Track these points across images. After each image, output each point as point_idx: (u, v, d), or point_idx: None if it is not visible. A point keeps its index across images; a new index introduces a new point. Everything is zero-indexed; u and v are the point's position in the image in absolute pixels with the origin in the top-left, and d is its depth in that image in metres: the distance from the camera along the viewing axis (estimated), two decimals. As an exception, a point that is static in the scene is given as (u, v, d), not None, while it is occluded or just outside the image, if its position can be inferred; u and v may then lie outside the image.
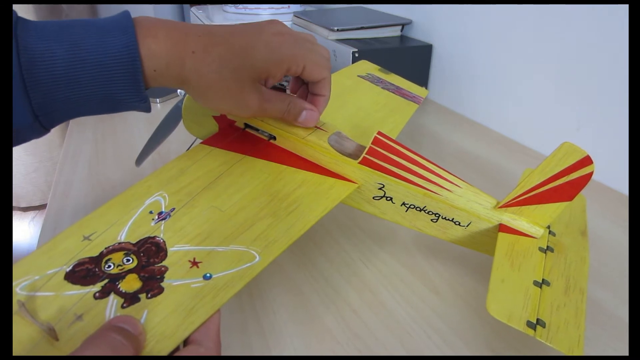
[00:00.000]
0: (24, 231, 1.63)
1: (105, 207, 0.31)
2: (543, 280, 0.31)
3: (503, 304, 0.29)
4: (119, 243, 0.29)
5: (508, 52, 0.69)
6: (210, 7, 1.17)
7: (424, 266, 0.43)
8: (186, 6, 1.56)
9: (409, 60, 0.83)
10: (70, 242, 0.28)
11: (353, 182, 0.38)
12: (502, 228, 0.36)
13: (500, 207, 0.36)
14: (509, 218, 0.36)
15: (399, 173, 0.36)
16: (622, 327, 0.36)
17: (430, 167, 0.37)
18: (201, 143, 0.40)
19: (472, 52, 0.76)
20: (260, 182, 0.36)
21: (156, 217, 0.31)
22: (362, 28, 0.85)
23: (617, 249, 0.46)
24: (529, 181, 0.34)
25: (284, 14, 1.07)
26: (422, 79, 0.86)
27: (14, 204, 1.67)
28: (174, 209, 0.32)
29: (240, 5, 1.07)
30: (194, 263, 0.28)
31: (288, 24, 1.03)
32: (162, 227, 0.30)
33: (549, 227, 0.36)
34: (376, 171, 0.37)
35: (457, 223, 0.37)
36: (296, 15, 1.00)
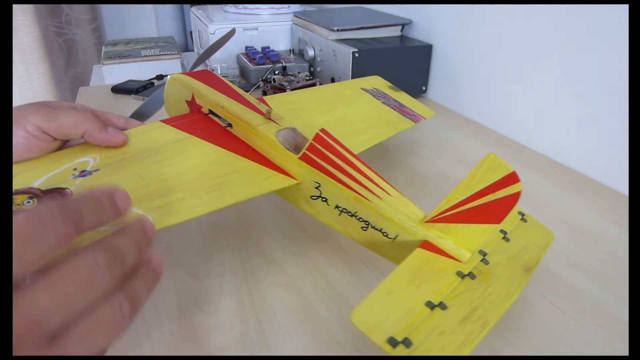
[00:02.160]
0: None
1: (44, 157, 0.34)
2: (440, 303, 0.28)
3: (373, 316, 0.26)
4: (30, 188, 0.30)
5: (508, 52, 0.69)
6: (210, 7, 1.17)
7: (424, 266, 0.43)
8: (186, 6, 1.56)
9: (409, 60, 0.83)
10: None
11: (293, 178, 0.38)
12: (425, 245, 0.32)
13: (427, 221, 0.33)
14: (435, 235, 0.32)
15: (334, 173, 0.36)
16: (622, 327, 0.36)
17: (365, 172, 0.35)
18: (159, 120, 0.41)
19: (472, 52, 0.76)
20: (196, 162, 0.37)
21: (77, 173, 0.33)
22: (362, 28, 0.85)
23: (617, 249, 0.46)
24: (455, 195, 0.31)
25: (284, 14, 1.07)
26: (422, 79, 0.86)
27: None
28: (98, 169, 0.34)
29: (240, 5, 1.07)
30: None
31: (288, 24, 1.03)
32: (77, 182, 0.32)
33: (484, 253, 0.32)
34: (314, 169, 0.36)
35: (385, 234, 0.34)
36: (296, 15, 1.00)
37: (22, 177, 0.32)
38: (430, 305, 0.27)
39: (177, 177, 0.35)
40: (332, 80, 0.85)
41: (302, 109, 0.51)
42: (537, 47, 0.64)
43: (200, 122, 0.43)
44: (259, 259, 0.43)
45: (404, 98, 0.62)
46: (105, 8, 1.47)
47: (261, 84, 0.84)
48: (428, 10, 0.84)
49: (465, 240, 0.32)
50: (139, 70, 0.98)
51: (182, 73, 0.49)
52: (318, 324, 0.36)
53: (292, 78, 0.85)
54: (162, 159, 0.36)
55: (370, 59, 0.79)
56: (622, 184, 0.56)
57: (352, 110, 0.54)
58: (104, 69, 0.99)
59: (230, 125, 0.42)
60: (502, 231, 0.35)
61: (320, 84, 0.86)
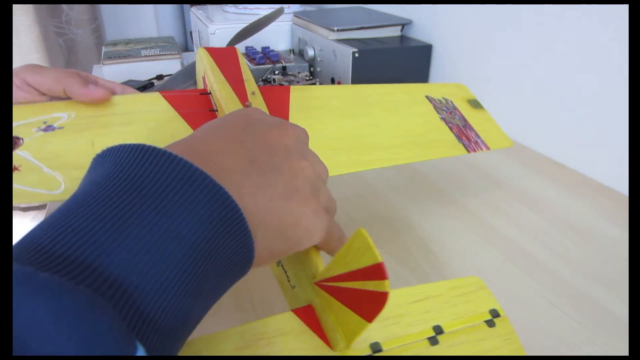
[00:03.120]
0: (24, 231, 1.63)
1: (24, 106, 0.35)
2: None
3: None
4: None
5: (508, 52, 0.69)
6: (210, 7, 1.17)
7: (424, 266, 0.43)
8: (186, 6, 1.56)
9: (409, 60, 0.83)
10: None
11: None
12: (304, 311, 0.25)
13: (316, 283, 0.25)
14: (320, 305, 0.25)
15: None
16: (622, 327, 0.36)
17: None
18: (159, 91, 0.41)
19: (472, 52, 0.76)
20: (160, 139, 0.36)
21: (43, 127, 0.33)
22: (362, 28, 0.85)
23: (617, 249, 0.46)
24: (335, 265, 0.23)
25: (284, 14, 1.07)
26: (422, 79, 0.86)
27: (14, 203, 1.67)
28: (62, 127, 0.34)
29: (241, 5, 1.07)
30: (16, 168, 0.30)
31: (288, 24, 1.03)
32: (36, 136, 0.32)
33: (378, 349, 0.25)
34: None
35: (288, 279, 0.30)
36: (296, 15, 1.00)
37: None
38: None
39: None
40: (332, 81, 0.85)
41: (322, 107, 0.44)
42: (537, 46, 0.64)
43: (193, 101, 0.40)
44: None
45: (480, 118, 0.50)
46: (105, 8, 1.47)
47: (261, 84, 0.84)
48: (428, 10, 0.84)
49: (344, 326, 0.24)
50: (139, 70, 0.98)
51: (207, 48, 0.46)
52: (318, 324, 0.36)
53: (292, 78, 0.85)
54: (129, 130, 0.36)
55: (370, 59, 0.79)
56: (622, 184, 0.56)
57: (390, 120, 0.45)
58: (104, 69, 0.99)
59: (216, 110, 0.40)
60: (435, 327, 0.26)
61: (320, 84, 0.86)
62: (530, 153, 0.66)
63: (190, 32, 1.43)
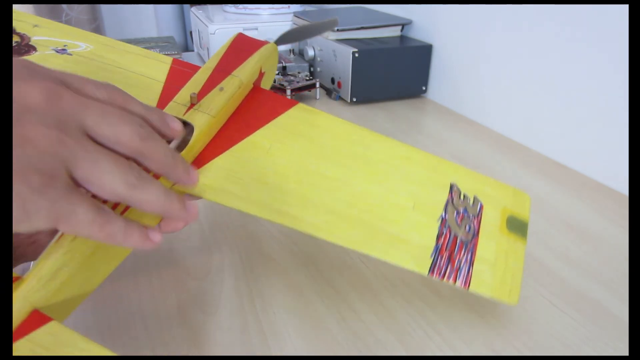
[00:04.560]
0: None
1: (56, 24, 0.40)
2: None
3: None
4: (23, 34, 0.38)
5: (508, 52, 0.69)
6: (210, 7, 1.17)
7: (424, 266, 0.43)
8: (186, 6, 1.56)
9: (409, 60, 0.83)
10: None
11: None
12: None
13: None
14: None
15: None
16: (622, 327, 0.36)
17: None
18: (174, 57, 0.42)
19: (472, 52, 0.76)
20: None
21: (60, 48, 0.38)
22: (362, 28, 0.85)
23: (617, 249, 0.46)
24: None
25: (284, 14, 1.07)
26: (422, 79, 0.86)
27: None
28: (71, 55, 0.38)
29: (240, 5, 1.07)
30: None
31: (288, 24, 1.03)
32: (47, 52, 0.37)
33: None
34: None
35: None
36: (296, 15, 1.00)
37: (25, 26, 0.38)
38: None
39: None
40: (332, 81, 0.85)
41: (307, 137, 0.35)
42: (537, 46, 0.64)
43: (186, 77, 0.37)
44: (259, 259, 0.43)
45: (501, 246, 0.34)
46: (105, 8, 1.47)
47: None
48: (428, 10, 0.84)
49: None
50: (139, 70, 0.98)
51: (240, 34, 0.43)
52: (318, 324, 0.36)
53: (292, 78, 0.85)
54: (111, 78, 0.37)
55: (370, 59, 0.79)
56: (622, 184, 0.56)
57: (369, 186, 0.33)
58: (104, 69, 0.98)
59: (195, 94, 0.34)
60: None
61: (321, 85, 0.86)
62: (530, 153, 0.66)
63: (190, 32, 1.43)
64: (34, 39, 0.38)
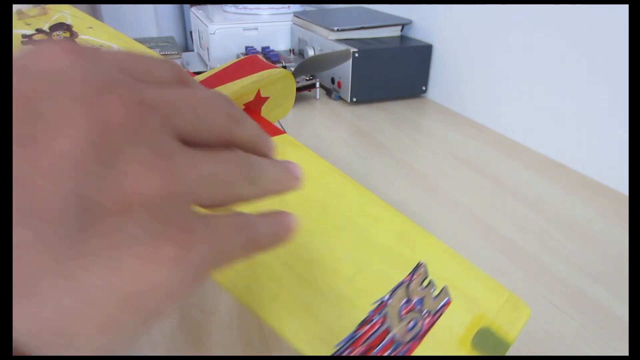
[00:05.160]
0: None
1: (123, 35, 0.44)
2: None
3: None
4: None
5: (508, 52, 0.69)
6: (210, 7, 1.17)
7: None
8: (186, 6, 1.56)
9: (409, 60, 0.83)
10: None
11: None
12: None
13: None
14: None
15: None
16: (622, 327, 0.36)
17: None
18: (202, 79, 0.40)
19: (472, 52, 0.76)
20: None
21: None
22: (362, 28, 0.85)
23: (617, 249, 0.46)
24: None
25: (284, 14, 1.07)
26: (422, 79, 0.86)
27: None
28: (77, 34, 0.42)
29: (240, 5, 1.07)
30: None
31: (288, 24, 1.03)
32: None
33: None
34: None
35: None
36: (296, 15, 1.00)
37: (82, 25, 0.41)
38: None
39: None
40: (332, 81, 0.85)
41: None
42: (537, 46, 0.64)
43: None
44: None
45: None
46: (105, 8, 1.47)
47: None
48: (428, 10, 0.84)
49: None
50: (139, 70, 0.98)
51: (257, 57, 0.42)
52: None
53: (292, 78, 0.85)
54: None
55: (370, 59, 0.79)
56: (622, 184, 0.56)
57: (319, 248, 0.27)
58: (104, 69, 0.98)
59: None
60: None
61: (321, 85, 0.86)
62: (530, 153, 0.66)
63: (190, 32, 1.43)
64: (81, 37, 0.39)
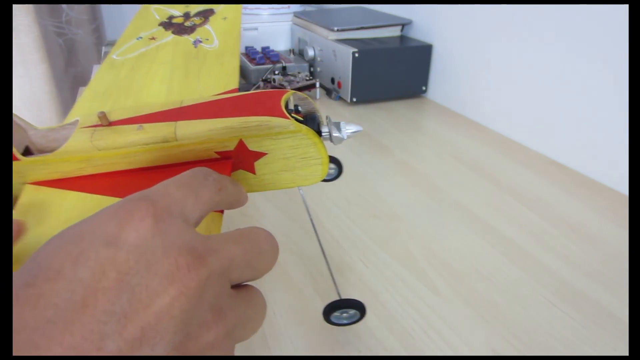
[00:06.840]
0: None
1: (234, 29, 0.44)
2: None
3: None
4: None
5: (508, 52, 0.69)
6: (210, 7, 1.17)
7: (424, 266, 0.43)
8: (186, 6, 1.56)
9: (409, 60, 0.83)
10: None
11: None
12: None
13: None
14: None
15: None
16: (622, 327, 0.36)
17: None
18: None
19: (472, 52, 0.76)
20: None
21: (198, 40, 0.42)
22: (362, 28, 0.85)
23: (617, 249, 0.46)
24: None
25: (284, 14, 1.07)
26: (422, 79, 0.86)
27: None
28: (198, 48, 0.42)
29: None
30: None
31: (288, 24, 1.03)
32: (189, 39, 0.42)
33: None
34: None
35: None
36: (296, 15, 1.00)
37: (217, 17, 0.44)
38: None
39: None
40: (332, 81, 0.85)
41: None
42: (537, 46, 0.64)
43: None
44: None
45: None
46: (105, 8, 1.47)
47: (261, 84, 0.84)
48: (428, 10, 0.84)
49: None
50: (139, 70, 0.98)
51: (279, 92, 0.29)
52: (318, 324, 0.36)
53: (292, 78, 0.85)
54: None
55: (370, 59, 0.79)
56: (622, 184, 0.56)
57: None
58: (104, 69, 0.98)
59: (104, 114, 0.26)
60: None
61: (321, 84, 0.86)
62: (530, 153, 0.66)
63: (190, 32, 1.43)
64: (188, 23, 0.40)
